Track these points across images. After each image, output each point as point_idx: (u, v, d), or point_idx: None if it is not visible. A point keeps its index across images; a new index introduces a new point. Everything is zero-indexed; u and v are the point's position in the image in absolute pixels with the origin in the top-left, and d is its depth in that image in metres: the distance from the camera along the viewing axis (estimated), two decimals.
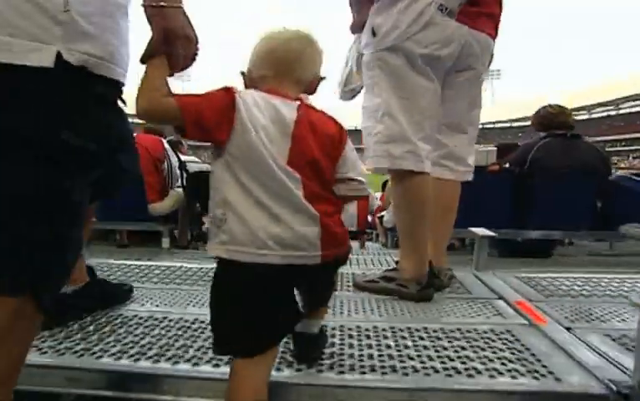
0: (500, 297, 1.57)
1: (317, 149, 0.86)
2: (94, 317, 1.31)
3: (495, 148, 2.88)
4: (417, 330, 1.25)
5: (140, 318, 1.32)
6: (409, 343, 1.15)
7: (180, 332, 1.21)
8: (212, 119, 0.80)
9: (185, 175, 3.29)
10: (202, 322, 1.28)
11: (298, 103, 0.88)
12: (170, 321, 1.30)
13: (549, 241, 3.04)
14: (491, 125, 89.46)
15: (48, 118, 0.76)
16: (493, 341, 1.17)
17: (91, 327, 1.23)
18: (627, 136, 58.31)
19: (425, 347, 1.13)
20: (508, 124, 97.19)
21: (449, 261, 1.82)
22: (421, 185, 1.49)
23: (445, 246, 1.79)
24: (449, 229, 1.77)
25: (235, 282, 0.81)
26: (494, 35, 1.52)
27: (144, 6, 0.79)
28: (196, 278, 1.82)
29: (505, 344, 1.15)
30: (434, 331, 1.25)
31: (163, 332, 1.21)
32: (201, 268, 1.97)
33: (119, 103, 0.97)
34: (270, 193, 0.79)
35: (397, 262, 1.66)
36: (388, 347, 1.13)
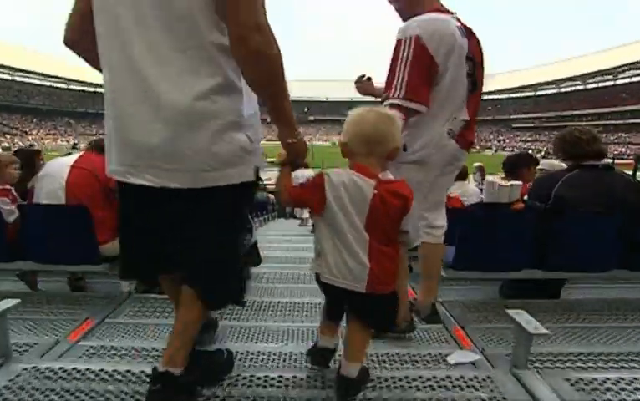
0: None
1: (386, 218, 1.29)
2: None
3: (520, 183, 2.44)
4: None
5: None
6: None
7: None
8: (311, 201, 1.36)
9: None
10: None
11: (376, 181, 1.29)
12: None
13: (560, 280, 2.72)
14: None
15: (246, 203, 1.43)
16: None
17: None
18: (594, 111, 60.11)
19: None
20: None
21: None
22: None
23: (435, 286, 2.23)
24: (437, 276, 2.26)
25: (323, 290, 1.42)
26: (468, 148, 2.07)
27: (282, 141, 1.35)
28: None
29: None
30: None
31: None
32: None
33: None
34: (344, 245, 1.30)
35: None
36: None
